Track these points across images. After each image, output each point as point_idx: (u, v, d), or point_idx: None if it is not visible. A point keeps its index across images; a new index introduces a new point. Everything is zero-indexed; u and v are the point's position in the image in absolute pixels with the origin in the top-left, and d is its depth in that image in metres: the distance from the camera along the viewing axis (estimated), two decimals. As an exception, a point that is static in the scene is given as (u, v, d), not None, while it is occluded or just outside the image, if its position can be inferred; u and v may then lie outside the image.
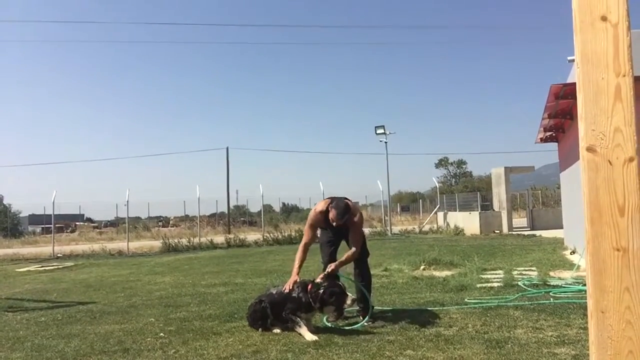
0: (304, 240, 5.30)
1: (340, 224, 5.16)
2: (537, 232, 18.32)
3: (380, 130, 25.62)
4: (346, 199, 5.38)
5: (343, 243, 5.51)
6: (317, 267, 5.65)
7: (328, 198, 5.46)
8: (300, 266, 5.15)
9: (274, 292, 5.07)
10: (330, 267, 5.11)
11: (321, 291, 4.77)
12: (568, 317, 4.91)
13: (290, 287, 4.95)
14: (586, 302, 1.44)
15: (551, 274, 7.99)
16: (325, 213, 5.24)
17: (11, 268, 14.08)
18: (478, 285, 7.12)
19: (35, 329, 5.55)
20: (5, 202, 41.68)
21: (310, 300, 4.75)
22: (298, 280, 5.04)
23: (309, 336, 4.53)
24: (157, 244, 19.68)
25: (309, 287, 4.86)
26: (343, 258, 5.21)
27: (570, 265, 8.82)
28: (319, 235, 5.58)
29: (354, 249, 5.23)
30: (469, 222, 20.85)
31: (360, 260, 5.42)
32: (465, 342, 4.17)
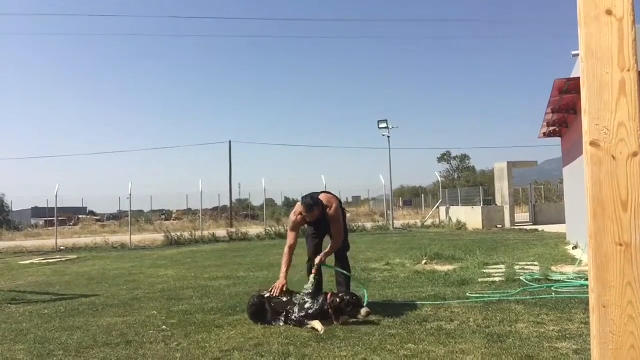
0: (288, 243, 5.41)
1: (314, 217, 5.33)
2: (540, 227, 18.31)
3: (383, 125, 25.61)
4: (327, 192, 5.70)
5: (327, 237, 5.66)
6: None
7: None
8: (287, 270, 5.27)
9: (272, 296, 5.08)
10: (318, 259, 5.30)
11: (338, 299, 4.80)
12: (570, 312, 4.91)
13: (278, 292, 5.04)
14: (588, 297, 1.44)
15: (553, 268, 7.99)
16: (302, 214, 5.39)
17: (14, 261, 14.14)
18: (480, 280, 7.13)
19: (38, 321, 5.58)
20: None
21: (329, 310, 4.78)
22: (286, 284, 5.13)
23: (320, 326, 4.59)
24: (160, 237, 19.73)
25: (329, 295, 4.90)
26: (327, 249, 5.42)
27: (573, 260, 8.82)
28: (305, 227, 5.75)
29: (335, 239, 5.43)
30: (471, 216, 20.84)
31: (341, 254, 5.56)
32: (467, 336, 4.18)
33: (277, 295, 5.03)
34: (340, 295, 4.89)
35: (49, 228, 29.05)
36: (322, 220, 5.42)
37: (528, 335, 4.15)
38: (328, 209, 5.37)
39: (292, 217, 5.52)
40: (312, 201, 5.31)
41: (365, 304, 5.03)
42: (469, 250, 11.02)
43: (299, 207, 5.45)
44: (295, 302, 4.92)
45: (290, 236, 5.45)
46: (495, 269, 8.28)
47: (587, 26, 1.41)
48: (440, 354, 3.75)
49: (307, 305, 4.85)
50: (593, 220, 1.39)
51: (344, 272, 5.50)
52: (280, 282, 5.15)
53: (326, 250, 5.42)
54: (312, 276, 5.22)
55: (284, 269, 5.26)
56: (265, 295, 5.08)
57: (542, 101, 11.08)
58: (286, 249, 5.38)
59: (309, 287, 5.11)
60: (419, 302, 5.65)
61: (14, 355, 4.21)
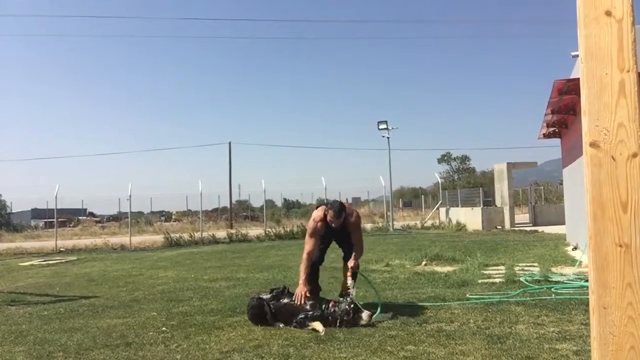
0: (307, 249, 5.34)
1: (339, 223, 5.30)
2: (539, 228, 18.30)
3: (383, 126, 25.63)
4: (339, 201, 5.73)
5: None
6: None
7: (322, 205, 5.67)
8: (307, 277, 5.20)
9: (272, 298, 5.05)
10: (353, 263, 5.27)
11: (339, 309, 4.79)
12: (570, 313, 4.91)
13: (302, 301, 4.95)
14: (588, 298, 1.44)
15: (553, 270, 7.99)
16: (324, 220, 5.35)
17: (14, 262, 14.13)
18: (480, 281, 7.13)
19: (38, 322, 5.58)
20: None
21: (330, 318, 4.77)
22: (307, 290, 5.06)
23: (320, 327, 4.58)
24: (160, 238, 19.72)
25: (331, 304, 4.89)
26: (356, 255, 5.38)
27: (572, 261, 8.82)
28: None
29: (358, 246, 5.44)
30: (471, 217, 20.84)
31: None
32: (467, 338, 4.17)
33: (301, 303, 4.94)
34: (340, 305, 4.86)
35: (49, 229, 29.04)
36: (339, 229, 5.41)
37: (528, 337, 4.15)
38: (349, 217, 5.40)
39: (312, 223, 5.45)
40: (341, 207, 5.35)
41: (379, 311, 5.03)
42: (469, 251, 11.02)
43: (318, 213, 5.42)
44: (296, 304, 4.91)
45: (310, 243, 5.37)
46: (495, 270, 8.27)
47: (587, 27, 1.41)
48: (440, 355, 3.75)
49: (307, 308, 4.85)
50: (593, 221, 1.39)
51: (362, 274, 5.48)
52: (300, 288, 5.07)
53: (355, 255, 5.35)
54: (349, 279, 5.22)
55: (303, 276, 5.18)
56: (265, 297, 5.08)
57: (542, 102, 11.07)
58: (305, 256, 5.30)
59: (352, 286, 5.15)
60: (418, 304, 5.65)
61: (14, 357, 4.21)
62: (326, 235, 5.47)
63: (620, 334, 1.35)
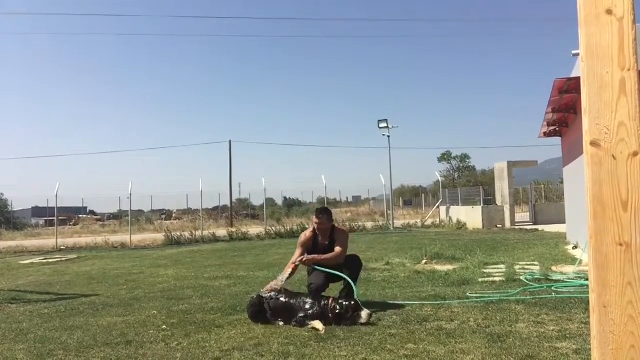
0: (292, 259, 5.64)
1: (324, 226, 5.56)
2: (540, 227, 18.30)
3: (383, 125, 25.63)
4: (327, 208, 6.18)
5: (333, 286, 5.67)
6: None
7: None
8: (289, 277, 5.48)
9: (270, 296, 5.10)
10: (304, 257, 5.49)
11: (339, 307, 4.79)
12: (570, 312, 4.91)
13: (271, 287, 5.24)
14: (588, 297, 1.44)
15: (553, 268, 7.99)
16: (314, 232, 5.67)
17: (14, 260, 14.15)
18: (480, 280, 7.13)
19: (39, 321, 5.58)
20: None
21: (330, 315, 4.78)
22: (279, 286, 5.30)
23: (320, 326, 4.58)
24: (160, 237, 19.74)
25: (330, 300, 4.90)
26: (324, 255, 5.50)
27: (573, 260, 8.82)
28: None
29: (338, 248, 5.52)
30: (471, 216, 20.83)
31: (356, 269, 5.60)
32: (467, 336, 4.17)
33: (271, 289, 5.18)
34: (341, 302, 4.86)
35: (50, 228, 29.07)
36: (329, 244, 5.58)
37: (528, 335, 4.15)
38: (337, 226, 5.77)
39: (302, 235, 5.84)
40: (327, 209, 5.85)
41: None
42: (469, 250, 11.02)
43: (309, 228, 5.83)
44: (295, 303, 4.92)
45: (297, 253, 5.66)
46: (495, 268, 8.28)
47: (588, 25, 1.41)
48: (440, 354, 3.75)
49: (307, 306, 4.85)
50: (593, 220, 1.39)
51: (346, 277, 5.39)
52: (275, 282, 5.41)
53: (320, 255, 5.51)
54: (290, 270, 5.42)
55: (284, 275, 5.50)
56: (264, 296, 5.08)
57: (543, 101, 11.07)
58: (289, 264, 5.56)
59: (284, 278, 5.34)
60: (419, 302, 5.64)
61: (14, 355, 4.21)
62: (319, 250, 5.60)
63: (621, 332, 1.35)
